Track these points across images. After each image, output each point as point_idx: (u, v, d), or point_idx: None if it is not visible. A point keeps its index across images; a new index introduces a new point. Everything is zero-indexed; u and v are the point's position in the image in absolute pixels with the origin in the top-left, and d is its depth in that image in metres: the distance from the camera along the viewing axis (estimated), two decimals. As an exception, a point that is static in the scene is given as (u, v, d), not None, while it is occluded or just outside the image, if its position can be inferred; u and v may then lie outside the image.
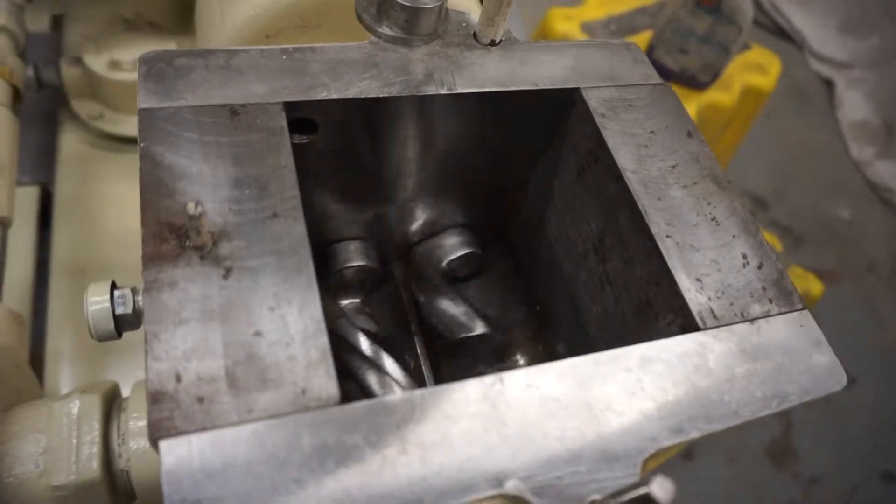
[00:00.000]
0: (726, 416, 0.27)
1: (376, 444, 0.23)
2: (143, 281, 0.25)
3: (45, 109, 0.81)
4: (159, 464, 0.22)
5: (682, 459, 1.66)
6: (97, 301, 0.28)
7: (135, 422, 0.43)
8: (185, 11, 0.89)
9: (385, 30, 0.35)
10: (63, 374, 0.64)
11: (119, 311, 0.28)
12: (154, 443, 0.22)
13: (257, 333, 0.25)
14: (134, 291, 0.29)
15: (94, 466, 0.40)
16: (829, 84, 2.86)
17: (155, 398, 0.23)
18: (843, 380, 0.29)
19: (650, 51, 1.21)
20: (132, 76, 0.75)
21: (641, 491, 0.20)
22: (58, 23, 0.95)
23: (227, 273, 0.26)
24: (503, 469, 0.24)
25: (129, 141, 0.78)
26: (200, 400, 0.23)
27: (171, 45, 0.78)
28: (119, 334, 0.29)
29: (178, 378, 0.23)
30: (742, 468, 1.70)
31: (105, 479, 0.41)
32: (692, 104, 1.18)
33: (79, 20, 0.83)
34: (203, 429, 0.22)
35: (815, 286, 1.50)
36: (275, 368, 0.24)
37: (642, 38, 1.25)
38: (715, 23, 1.08)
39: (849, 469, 1.77)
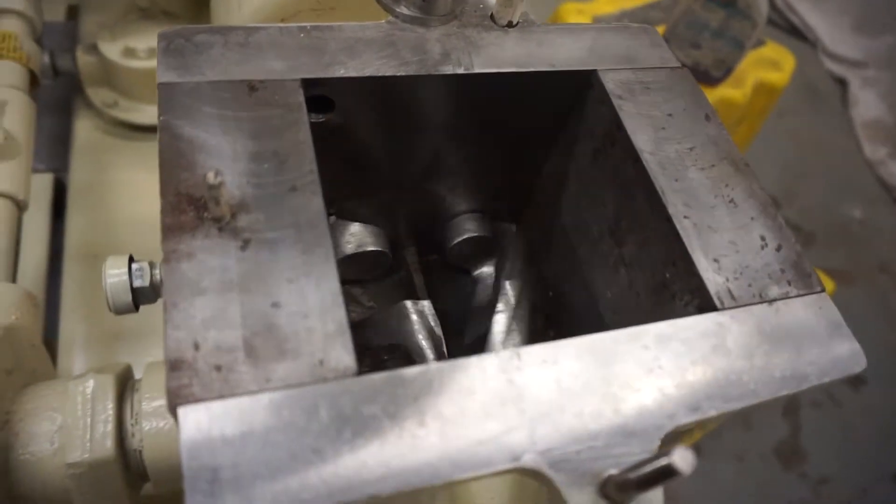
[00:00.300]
0: (745, 396, 0.27)
1: (394, 416, 0.23)
2: (163, 251, 0.25)
3: (60, 97, 0.81)
4: (177, 430, 0.22)
5: (690, 458, 1.65)
6: (115, 274, 0.28)
7: (148, 402, 0.43)
8: (203, 3, 0.90)
9: (402, 9, 0.35)
10: (76, 357, 0.64)
11: (137, 283, 0.29)
12: (173, 409, 0.22)
13: (275, 305, 0.25)
14: (151, 265, 0.29)
15: (107, 445, 0.40)
16: (842, 83, 2.84)
17: (174, 366, 0.23)
18: (863, 362, 0.29)
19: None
20: (147, 64, 0.75)
21: (662, 462, 0.20)
22: (73, 12, 0.96)
23: (246, 245, 0.26)
24: (520, 443, 0.24)
25: (143, 129, 0.79)
26: (218, 368, 0.23)
27: (185, 33, 0.78)
28: (136, 307, 0.29)
29: (197, 347, 0.23)
30: (750, 468, 1.69)
31: (118, 458, 0.41)
32: (705, 99, 1.17)
33: (94, 9, 0.83)
34: (221, 397, 0.22)
35: (826, 285, 1.49)
36: (293, 339, 0.24)
37: (655, 33, 1.25)
38: (729, 17, 1.07)
39: (858, 470, 1.76)
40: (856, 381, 1.93)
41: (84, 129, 0.79)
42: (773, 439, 1.76)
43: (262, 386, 0.23)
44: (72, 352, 0.65)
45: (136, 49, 0.74)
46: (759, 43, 1.32)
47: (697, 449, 1.68)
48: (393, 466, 0.22)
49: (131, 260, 0.29)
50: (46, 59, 0.75)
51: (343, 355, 0.24)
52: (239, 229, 0.26)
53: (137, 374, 0.47)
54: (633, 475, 0.22)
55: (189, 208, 0.26)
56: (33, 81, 0.62)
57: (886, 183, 2.49)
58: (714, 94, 1.19)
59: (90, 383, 0.42)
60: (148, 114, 0.79)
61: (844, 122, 2.70)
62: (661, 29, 1.23)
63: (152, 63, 0.75)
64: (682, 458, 0.19)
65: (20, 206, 0.54)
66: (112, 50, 0.74)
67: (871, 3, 2.78)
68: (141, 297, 0.29)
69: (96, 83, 0.78)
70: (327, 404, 0.23)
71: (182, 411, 0.22)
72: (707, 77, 1.18)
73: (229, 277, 0.25)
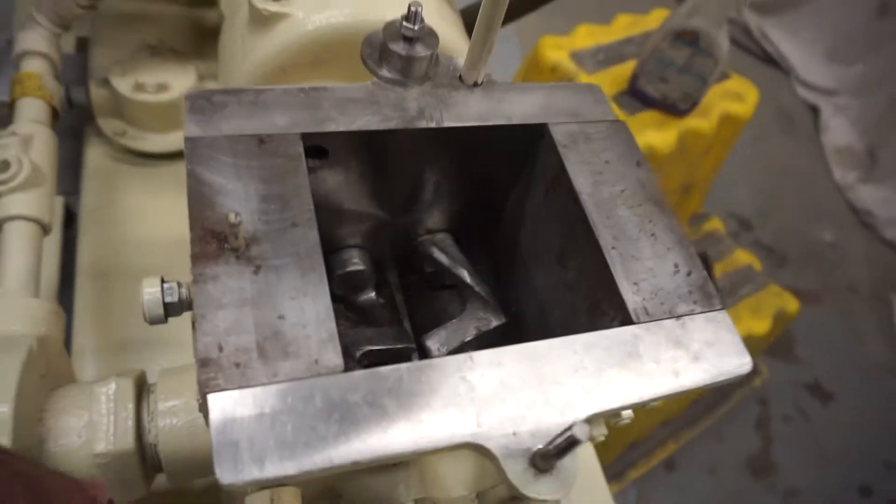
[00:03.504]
0: (650, 391, 0.34)
1: (372, 403, 0.30)
2: (192, 274, 0.32)
3: (72, 126, 0.88)
4: (206, 414, 0.29)
5: (664, 470, 1.72)
6: (150, 291, 0.35)
7: (163, 403, 0.50)
8: (202, 38, 0.97)
9: (385, 73, 0.43)
10: (87, 365, 0.70)
11: (168, 299, 0.35)
12: (203, 396, 0.29)
13: (280, 317, 0.31)
14: (179, 284, 0.36)
15: (128, 439, 0.47)
16: (814, 110, 2.96)
17: (203, 363, 0.29)
18: (748, 366, 0.36)
19: (634, 78, 1.29)
20: (154, 98, 0.82)
21: (567, 435, 0.27)
22: (82, 44, 1.03)
23: (257, 270, 0.33)
24: (470, 425, 0.30)
25: (150, 156, 0.85)
26: (237, 365, 0.30)
27: (190, 69, 0.85)
28: (166, 319, 0.36)
29: (221, 349, 0.30)
30: (722, 480, 1.76)
31: (137, 451, 0.47)
32: (673, 129, 1.26)
33: (105, 44, 0.90)
34: (240, 387, 0.29)
35: (791, 304, 1.57)
36: (294, 344, 0.31)
37: (628, 67, 1.34)
38: (693, 55, 1.16)
39: (826, 483, 1.83)
40: (824, 397, 2.01)
41: (94, 155, 0.86)
42: (745, 452, 1.84)
43: (270, 379, 0.30)
44: (83, 360, 0.71)
45: (145, 84, 0.81)
46: (724, 77, 1.41)
47: (672, 462, 1.75)
48: (370, 442, 0.29)
49: (163, 280, 0.36)
50: (62, 91, 0.82)
51: (333, 357, 0.31)
52: (252, 257, 0.33)
53: (149, 380, 0.53)
54: (551, 447, 0.29)
55: (212, 241, 0.33)
56: (55, 116, 0.68)
57: (855, 207, 2.60)
58: (682, 125, 1.28)
59: (112, 386, 0.48)
60: (154, 142, 0.85)
61: (816, 148, 2.81)
62: (633, 63, 1.32)
63: (159, 97, 0.82)
64: (580, 430, 0.26)
65: (45, 229, 0.60)
66: (123, 84, 0.81)
67: (843, 33, 2.91)
68: (171, 310, 0.36)
69: (107, 114, 0.84)
70: (321, 394, 0.30)
71: (211, 397, 0.28)
72: (675, 109, 1.27)
73: (244, 295, 0.32)
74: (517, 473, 0.30)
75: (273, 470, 0.27)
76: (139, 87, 0.81)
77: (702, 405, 1.79)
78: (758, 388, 1.92)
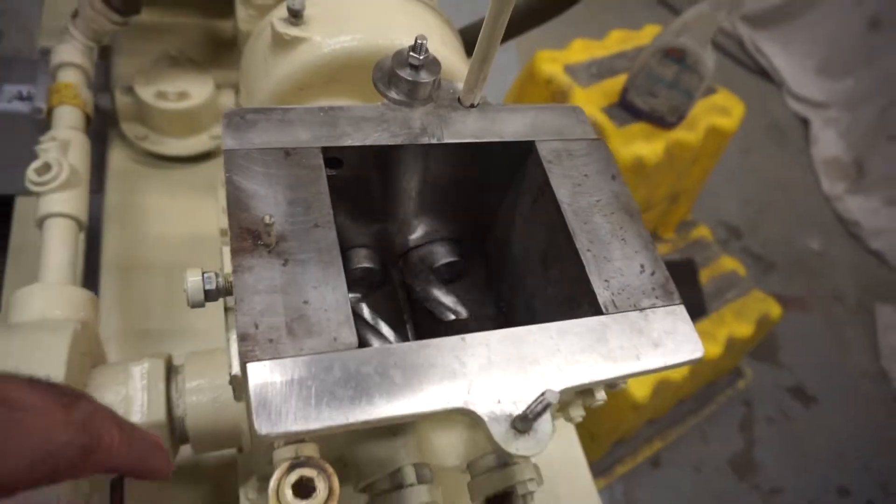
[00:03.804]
0: (615, 371, 0.40)
1: (381, 374, 0.36)
2: (232, 265, 0.38)
3: (97, 129, 0.94)
4: (244, 381, 0.35)
5: (650, 467, 1.78)
6: (193, 280, 0.41)
7: (190, 382, 0.56)
8: (218, 48, 1.04)
9: (393, 95, 0.49)
10: (112, 352, 0.76)
11: (207, 287, 0.42)
12: (243, 366, 0.35)
13: (305, 302, 0.38)
14: (216, 274, 0.42)
15: (160, 412, 0.53)
16: (805, 122, 3.03)
17: (242, 338, 0.36)
18: (700, 353, 0.42)
19: (625, 92, 1.36)
20: (175, 105, 0.88)
21: (540, 399, 0.33)
22: (104, 52, 1.09)
23: (286, 263, 0.39)
24: (461, 394, 0.37)
25: (169, 159, 0.92)
26: (271, 341, 0.36)
27: (208, 79, 0.91)
28: (204, 304, 0.42)
29: (257, 326, 0.36)
30: (706, 478, 1.82)
31: (168, 423, 0.54)
32: (661, 141, 1.33)
33: (128, 54, 0.97)
34: (272, 358, 0.35)
35: (773, 309, 1.64)
36: (317, 324, 0.37)
37: (619, 80, 1.40)
38: (680, 72, 1.23)
39: (807, 483, 1.90)
40: (807, 400, 2.08)
41: (118, 157, 0.92)
42: (729, 452, 1.90)
43: (297, 353, 0.36)
44: (108, 346, 0.77)
45: (167, 92, 0.87)
46: (711, 91, 1.48)
47: (658, 459, 1.81)
48: (379, 404, 0.35)
49: (203, 272, 0.42)
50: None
51: (349, 335, 0.37)
52: (281, 252, 0.39)
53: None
54: (528, 412, 0.35)
55: (248, 237, 0.39)
56: (87, 122, 0.75)
57: (842, 217, 2.67)
58: (669, 137, 1.35)
59: (146, 365, 0.55)
60: (173, 146, 0.92)
61: (805, 159, 2.89)
62: (625, 77, 1.39)
63: (179, 105, 0.89)
64: (551, 395, 0.33)
65: (81, 226, 0.67)
66: (146, 93, 0.87)
67: (833, 48, 2.99)
68: (209, 296, 0.42)
69: (130, 119, 0.91)
70: (339, 365, 0.36)
71: (250, 366, 0.35)
72: (663, 122, 1.34)
73: (275, 283, 0.38)
74: (500, 434, 0.36)
75: (300, 425, 0.34)
76: (161, 96, 0.87)
77: (687, 405, 1.85)
78: (742, 390, 1.98)
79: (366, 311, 0.52)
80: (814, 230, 2.61)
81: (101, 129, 0.95)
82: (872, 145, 2.70)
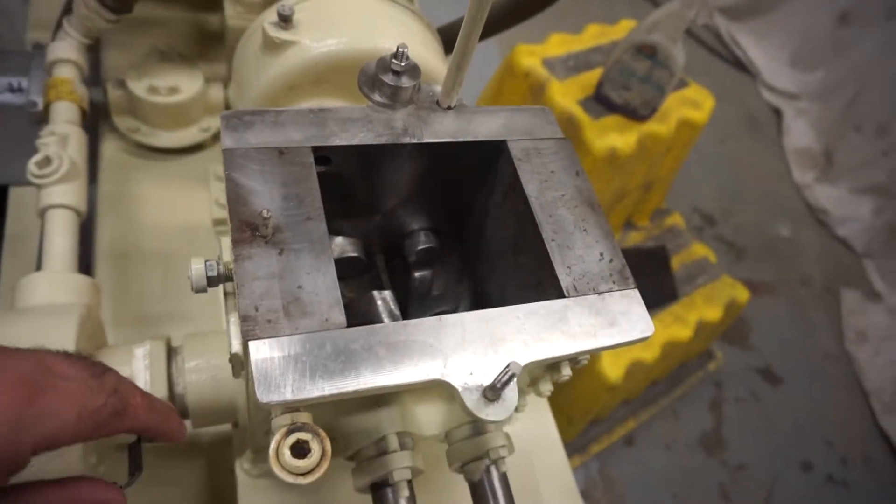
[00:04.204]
0: (575, 347, 0.45)
1: (368, 350, 0.41)
2: (233, 255, 0.42)
3: (89, 122, 0.97)
4: (246, 357, 0.40)
5: (624, 445, 1.86)
6: (197, 267, 0.46)
7: (189, 362, 0.60)
8: (206, 42, 1.07)
9: (377, 98, 0.53)
10: (109, 337, 0.80)
11: (209, 273, 0.46)
12: (245, 344, 0.39)
13: (299, 287, 0.42)
14: (218, 262, 0.47)
15: (163, 389, 0.57)
16: (778, 113, 3.12)
17: (244, 319, 0.40)
18: (650, 332, 0.48)
19: (600, 86, 1.41)
20: (165, 100, 0.91)
21: (506, 370, 0.38)
22: (93, 46, 1.12)
23: (281, 252, 0.43)
24: (438, 367, 0.42)
25: (160, 151, 0.95)
26: (269, 321, 0.40)
27: (197, 73, 0.95)
28: (206, 289, 0.47)
29: (257, 309, 0.41)
30: (677, 455, 1.91)
31: (169, 400, 0.58)
32: (634, 133, 1.38)
33: (118, 47, 1.00)
34: (271, 336, 0.40)
35: (742, 293, 1.72)
36: (310, 306, 0.42)
37: (595, 74, 1.45)
38: (652, 67, 1.28)
39: (772, 459, 2.00)
40: (774, 381, 2.17)
41: (110, 149, 0.95)
42: (699, 430, 1.99)
43: (293, 332, 0.40)
44: (106, 330, 0.81)
45: (158, 87, 0.91)
46: (683, 85, 1.54)
47: (631, 438, 1.89)
48: (366, 376, 0.40)
49: (206, 260, 0.47)
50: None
51: (338, 316, 0.42)
52: (277, 242, 0.44)
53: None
54: (497, 382, 0.40)
55: (247, 229, 0.44)
56: (84, 116, 0.78)
57: (811, 205, 2.76)
58: (642, 129, 1.40)
59: (148, 346, 0.59)
60: (164, 139, 0.95)
61: (778, 149, 2.97)
62: (600, 70, 1.44)
63: (170, 99, 0.92)
64: (514, 367, 0.38)
65: (80, 216, 0.70)
66: (138, 87, 0.90)
67: (805, 41, 3.07)
68: (211, 282, 0.47)
69: (122, 112, 0.94)
70: (330, 342, 0.41)
71: (251, 344, 0.39)
72: (636, 114, 1.39)
73: (272, 270, 0.43)
74: (473, 402, 0.41)
75: (296, 394, 0.38)
76: (153, 90, 0.90)
77: (660, 387, 1.93)
78: (713, 372, 2.07)
79: (377, 296, 0.55)
80: (784, 217, 2.69)
81: (92, 121, 0.98)
82: (841, 136, 2.78)
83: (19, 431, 0.29)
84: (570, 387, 1.51)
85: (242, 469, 0.65)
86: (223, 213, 0.86)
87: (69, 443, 0.32)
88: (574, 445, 1.73)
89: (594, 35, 1.60)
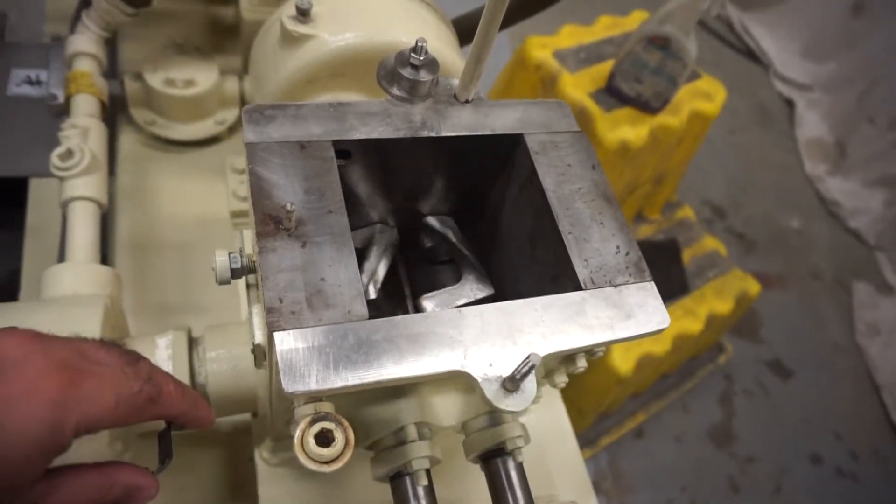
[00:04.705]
0: (591, 337, 0.46)
1: (389, 341, 0.42)
2: (258, 247, 0.43)
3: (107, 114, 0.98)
4: (271, 350, 0.41)
5: (633, 438, 1.87)
6: (221, 259, 0.47)
7: (210, 352, 0.61)
8: (220, 35, 1.08)
9: (395, 92, 0.54)
10: (129, 327, 0.82)
11: (233, 265, 0.47)
12: (270, 335, 0.40)
13: (322, 279, 0.43)
14: (241, 254, 0.48)
15: (185, 378, 0.58)
16: (790, 104, 3.09)
17: (269, 311, 0.41)
18: (666, 324, 0.48)
19: (612, 78, 1.41)
20: (182, 92, 0.92)
21: (526, 361, 0.39)
22: (109, 39, 1.13)
23: (304, 244, 0.44)
24: (458, 358, 0.42)
25: (177, 143, 0.96)
26: (293, 312, 0.41)
27: (213, 66, 0.95)
28: (230, 281, 0.48)
29: (281, 300, 0.42)
30: (686, 447, 1.91)
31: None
32: (645, 125, 1.38)
33: (135, 40, 1.01)
34: (295, 328, 0.41)
35: (752, 286, 1.71)
36: (332, 298, 0.43)
37: (607, 66, 1.45)
38: (664, 58, 1.28)
39: (781, 451, 2.00)
40: (784, 375, 2.17)
41: (127, 141, 0.96)
42: (708, 423, 1.99)
43: (317, 323, 0.41)
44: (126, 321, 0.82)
45: (175, 80, 0.91)
46: (695, 76, 1.53)
47: (641, 431, 1.89)
48: (388, 367, 0.41)
49: (230, 252, 0.47)
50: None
51: (360, 307, 0.43)
52: (300, 235, 0.45)
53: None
54: (516, 373, 0.41)
55: (271, 222, 0.44)
56: (103, 109, 0.79)
57: (823, 197, 2.74)
58: (654, 121, 1.40)
59: (170, 337, 0.60)
60: (180, 131, 0.96)
61: (790, 140, 2.95)
62: (612, 62, 1.43)
63: (186, 91, 0.93)
64: (534, 358, 0.39)
65: (102, 208, 0.71)
66: (155, 80, 0.91)
67: (818, 32, 3.04)
68: (235, 274, 0.48)
69: (139, 105, 0.95)
70: (352, 334, 0.41)
71: (276, 335, 0.40)
72: (648, 106, 1.39)
73: (296, 263, 0.43)
74: (492, 392, 0.42)
75: (320, 384, 0.39)
76: (169, 83, 0.91)
77: (670, 380, 1.93)
78: (723, 365, 2.07)
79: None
80: (795, 210, 2.68)
81: (110, 114, 0.99)
82: (853, 128, 2.76)
83: (64, 414, 0.30)
84: (581, 379, 1.51)
85: (262, 458, 0.66)
86: (240, 206, 0.87)
87: (107, 427, 0.33)
88: (584, 438, 1.73)
89: (606, 27, 1.59)
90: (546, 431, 0.86)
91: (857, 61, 2.84)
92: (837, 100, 2.92)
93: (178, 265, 0.87)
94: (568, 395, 0.89)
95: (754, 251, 2.48)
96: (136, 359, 0.36)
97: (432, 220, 0.64)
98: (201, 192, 0.93)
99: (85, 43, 0.79)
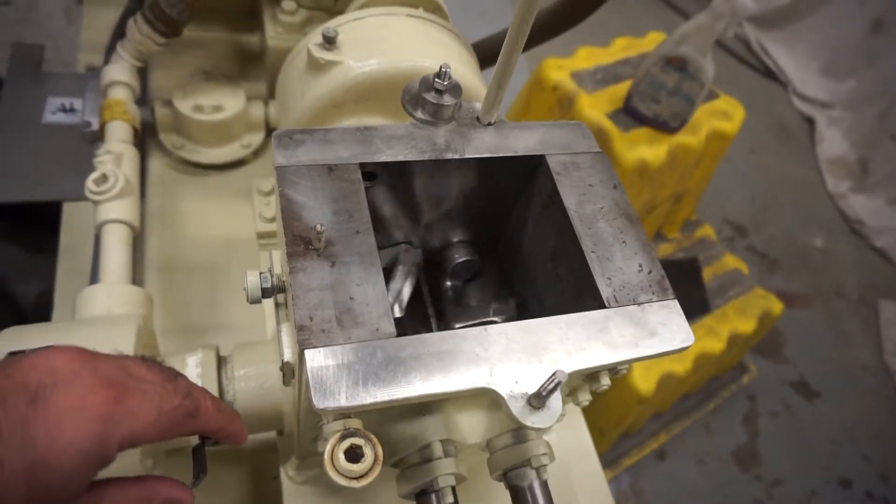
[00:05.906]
0: (616, 357, 0.46)
1: (417, 358, 0.43)
2: (289, 267, 0.45)
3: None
4: (301, 365, 0.42)
5: (655, 459, 1.84)
6: (252, 279, 0.48)
7: (238, 370, 0.62)
8: (245, 61, 1.11)
9: (420, 115, 0.56)
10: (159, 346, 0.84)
11: (264, 285, 0.48)
12: (301, 352, 0.41)
13: (351, 298, 0.44)
14: (271, 274, 0.49)
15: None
16: (810, 122, 3.08)
17: (300, 328, 0.42)
18: (690, 341, 0.49)
19: (629, 98, 1.42)
20: (210, 117, 0.95)
21: (552, 378, 0.39)
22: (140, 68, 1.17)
23: (333, 264, 0.46)
24: (484, 375, 0.43)
25: (204, 167, 0.99)
26: (323, 331, 0.42)
27: (240, 92, 0.98)
28: (261, 300, 0.49)
29: (311, 319, 0.43)
30: (710, 469, 1.88)
31: (220, 406, 0.60)
32: (664, 145, 1.39)
33: (165, 68, 1.04)
34: (326, 345, 0.42)
35: (775, 306, 1.70)
36: (361, 317, 0.44)
37: (624, 87, 1.46)
38: (682, 79, 1.29)
39: (809, 474, 1.96)
40: (809, 395, 2.13)
41: (157, 165, 0.99)
42: (732, 444, 1.96)
43: (346, 341, 0.42)
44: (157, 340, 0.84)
45: (203, 106, 0.94)
46: (713, 96, 1.54)
47: (663, 452, 1.87)
48: (416, 384, 0.42)
49: (261, 273, 0.49)
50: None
51: (388, 326, 0.44)
52: (329, 255, 0.46)
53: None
54: (542, 390, 0.41)
55: (301, 243, 0.46)
56: (136, 135, 0.82)
57: (846, 215, 2.71)
58: (672, 141, 1.40)
59: (200, 355, 0.62)
60: (207, 155, 0.99)
61: (811, 158, 2.93)
62: (629, 83, 1.45)
63: (214, 117, 0.96)
64: (560, 374, 0.39)
65: (134, 231, 0.73)
66: (184, 106, 0.94)
67: (837, 49, 3.03)
68: (265, 293, 0.49)
69: (168, 130, 0.98)
70: (381, 351, 0.42)
71: (307, 352, 0.41)
72: (666, 126, 1.40)
73: (325, 282, 0.45)
74: (518, 409, 0.42)
75: (350, 401, 0.40)
76: (198, 109, 0.94)
77: (693, 400, 1.91)
78: (747, 385, 2.04)
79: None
80: (818, 228, 2.65)
81: (142, 139, 1.02)
82: (876, 145, 2.74)
83: (110, 428, 0.31)
84: (602, 399, 1.50)
85: (287, 475, 0.67)
86: (267, 227, 0.89)
87: (149, 441, 0.34)
88: (605, 459, 1.72)
89: (622, 48, 1.61)
90: (569, 450, 0.85)
91: (877, 78, 2.83)
92: (858, 117, 2.90)
93: (205, 285, 0.89)
94: (589, 415, 0.89)
95: (777, 270, 2.45)
96: (175, 375, 0.37)
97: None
98: (227, 213, 0.95)
99: (119, 72, 0.82)
